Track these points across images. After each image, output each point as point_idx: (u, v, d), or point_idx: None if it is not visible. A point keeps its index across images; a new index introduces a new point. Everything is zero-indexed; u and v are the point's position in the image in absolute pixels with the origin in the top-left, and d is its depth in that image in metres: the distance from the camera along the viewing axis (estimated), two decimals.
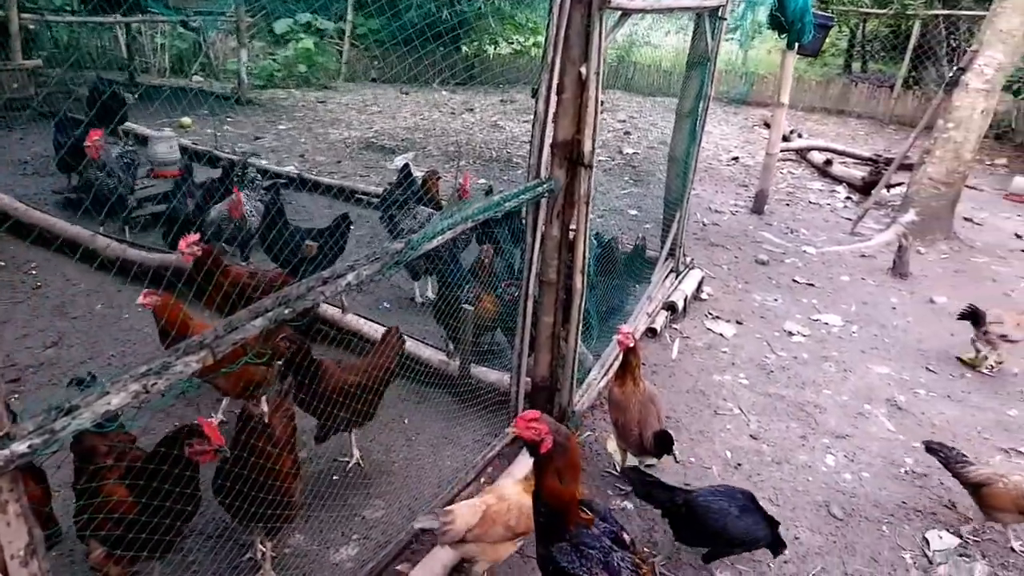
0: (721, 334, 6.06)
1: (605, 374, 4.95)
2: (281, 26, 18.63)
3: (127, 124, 10.94)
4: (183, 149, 9.51)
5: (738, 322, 6.32)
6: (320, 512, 3.65)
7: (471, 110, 16.32)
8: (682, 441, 4.54)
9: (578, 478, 2.50)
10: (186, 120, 12.32)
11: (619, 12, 3.80)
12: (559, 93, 3.68)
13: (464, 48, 20.58)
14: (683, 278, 6.62)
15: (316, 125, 13.65)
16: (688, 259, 7.03)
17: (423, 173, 7.15)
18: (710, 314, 6.44)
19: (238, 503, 2.96)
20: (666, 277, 6.51)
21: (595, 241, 5.69)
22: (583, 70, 3.57)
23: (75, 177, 7.57)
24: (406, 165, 7.73)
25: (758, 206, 9.62)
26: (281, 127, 13.19)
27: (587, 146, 3.71)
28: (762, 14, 7.96)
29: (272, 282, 4.62)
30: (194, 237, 4.38)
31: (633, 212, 9.14)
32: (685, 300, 6.29)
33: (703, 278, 6.87)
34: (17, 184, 7.93)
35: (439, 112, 16.09)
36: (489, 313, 4.97)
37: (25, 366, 4.69)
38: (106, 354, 4.94)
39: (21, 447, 1.49)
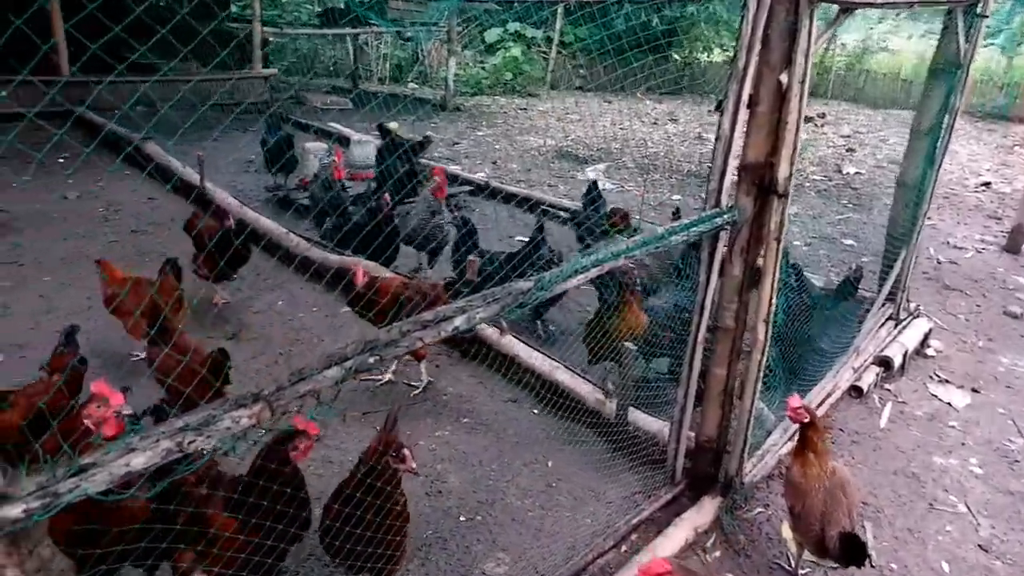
0: (949, 403, 4.96)
1: (789, 439, 4.18)
2: (492, 35, 19.12)
3: (331, 124, 11.65)
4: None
5: (974, 390, 5.14)
6: (439, 555, 3.34)
7: (675, 120, 15.57)
8: (882, 539, 3.67)
9: None
10: (393, 125, 12.85)
11: (837, 8, 3.08)
12: (751, 106, 3.06)
13: (675, 55, 19.84)
14: (904, 328, 5.55)
15: (513, 132, 13.70)
16: (913, 305, 5.90)
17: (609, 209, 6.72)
18: (936, 376, 5.32)
19: (347, 545, 2.71)
20: (882, 325, 5.49)
21: (790, 272, 4.89)
22: (783, 78, 2.92)
23: (280, 176, 8.05)
24: (594, 183, 7.33)
25: (1013, 244, 7.99)
26: (480, 133, 13.39)
27: (783, 171, 3.05)
28: None
29: (426, 295, 4.44)
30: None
31: (848, 242, 8.00)
32: (904, 356, 5.24)
33: (930, 329, 5.72)
34: (238, 181, 8.64)
35: (640, 122, 15.52)
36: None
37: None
38: (274, 351, 5.05)
39: (14, 511, 1.26)
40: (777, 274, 3.25)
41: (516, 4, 18.15)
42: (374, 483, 2.64)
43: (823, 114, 15.72)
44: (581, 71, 19.76)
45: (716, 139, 3.07)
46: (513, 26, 19.26)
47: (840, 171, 11.15)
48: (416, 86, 17.91)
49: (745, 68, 2.93)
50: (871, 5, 3.43)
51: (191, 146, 7.86)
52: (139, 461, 1.40)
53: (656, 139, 13.59)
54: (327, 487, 3.42)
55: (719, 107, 3.03)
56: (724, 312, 3.42)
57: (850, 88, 18.00)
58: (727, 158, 3.06)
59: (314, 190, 6.79)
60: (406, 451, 2.64)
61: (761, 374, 3.45)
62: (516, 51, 18.75)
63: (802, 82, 2.93)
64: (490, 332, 4.93)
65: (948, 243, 8.26)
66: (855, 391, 4.90)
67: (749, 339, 3.40)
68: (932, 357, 5.58)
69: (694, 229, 2.90)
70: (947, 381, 5.23)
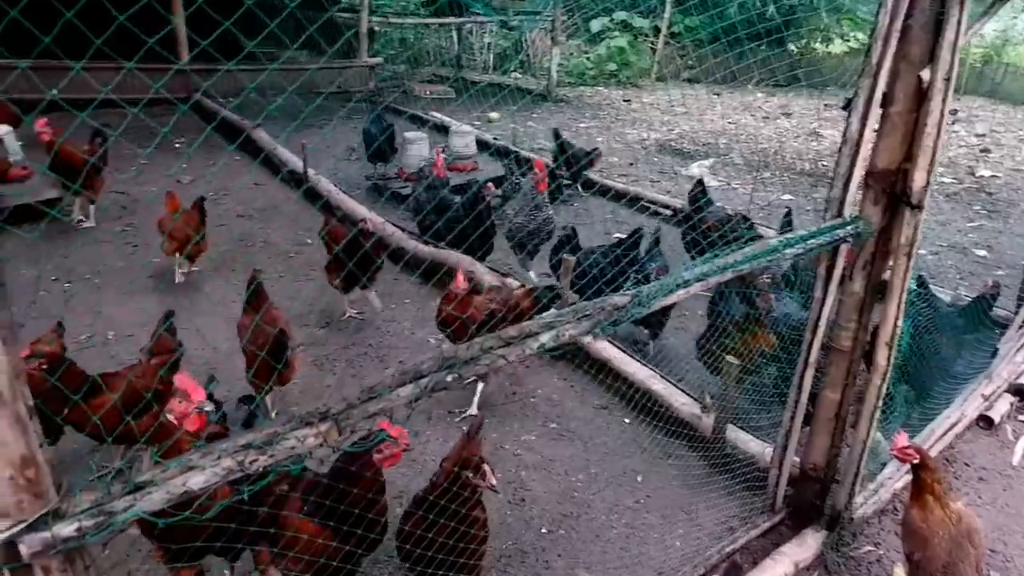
0: None
1: (907, 472, 3.80)
2: (597, 24, 18.76)
3: (432, 113, 11.71)
4: (484, 144, 9.84)
5: None
6: (517, 569, 3.22)
7: (788, 115, 14.81)
8: None
9: None
10: (494, 115, 12.84)
11: None
12: (885, 105, 2.74)
13: (791, 46, 18.85)
14: None
15: (616, 124, 13.38)
16: None
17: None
18: None
19: (422, 554, 2.63)
20: (1020, 348, 4.95)
21: (913, 284, 4.45)
22: (925, 75, 2.60)
23: (380, 166, 8.13)
24: (699, 181, 6.99)
25: None
26: (582, 125, 13.14)
27: (918, 179, 2.72)
28: None
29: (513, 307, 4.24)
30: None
31: (981, 252, 7.31)
32: None
33: None
34: (340, 168, 8.78)
35: (751, 116, 14.87)
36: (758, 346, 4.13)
37: (297, 344, 4.95)
38: (364, 342, 5.07)
39: (67, 530, 1.21)
40: (904, 294, 2.92)
41: None
42: (453, 498, 2.53)
43: (955, 111, 14.52)
44: (689, 62, 19.12)
45: (842, 141, 2.77)
46: (619, 15, 18.83)
47: (973, 174, 10.23)
48: (519, 76, 17.81)
49: (880, 63, 2.62)
50: None
51: (298, 133, 8.04)
52: (198, 480, 1.33)
53: (767, 134, 12.95)
54: (408, 487, 3.38)
55: (847, 106, 2.74)
56: (841, 332, 3.11)
57: (987, 82, 16.56)
58: (854, 163, 2.76)
59: (419, 192, 6.62)
60: (486, 467, 2.52)
61: (880, 402, 3.12)
62: (622, 41, 18.32)
63: (947, 80, 2.60)
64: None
65: None
66: (985, 421, 4.43)
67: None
68: None
69: (812, 241, 2.63)
70: None
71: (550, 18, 15.03)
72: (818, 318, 3.02)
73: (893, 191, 2.82)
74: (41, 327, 4.64)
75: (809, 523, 3.45)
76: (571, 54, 18.72)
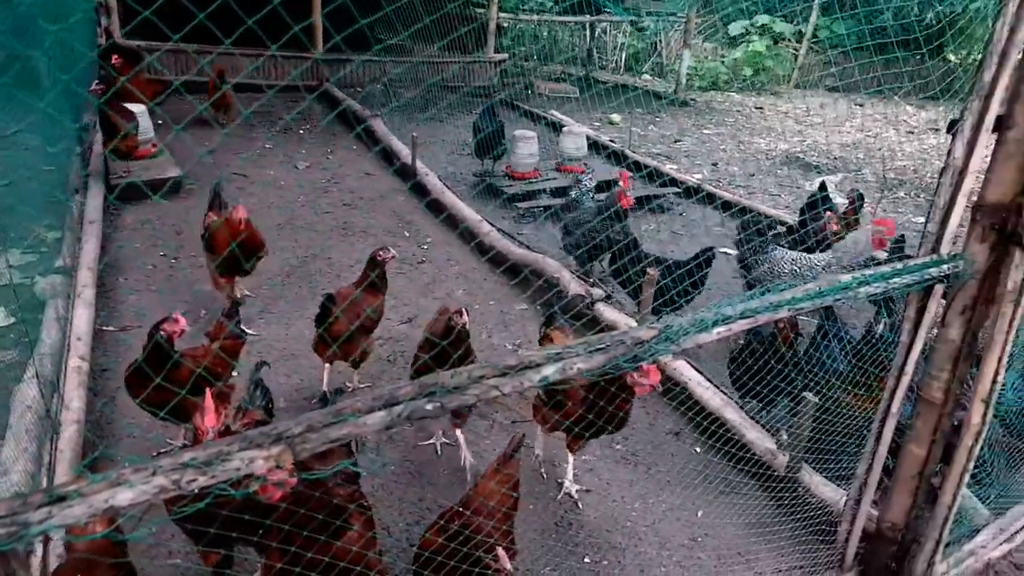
0: None
1: (1005, 542, 3.37)
2: (736, 28, 18.02)
3: (552, 112, 11.65)
4: (595, 144, 9.69)
5: None
6: None
7: (937, 131, 13.60)
8: None
9: None
10: (615, 117, 12.62)
11: None
12: (1000, 130, 2.41)
13: (951, 56, 17.32)
14: None
15: (743, 132, 12.79)
16: None
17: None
18: None
19: None
20: None
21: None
22: None
23: (489, 162, 8.17)
24: (823, 183, 6.54)
25: None
26: (707, 131, 12.68)
27: None
28: None
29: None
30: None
31: None
32: None
33: None
34: (450, 163, 8.92)
35: (894, 130, 13.79)
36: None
37: (378, 336, 5.03)
38: None
39: None
40: (1009, 345, 2.56)
41: None
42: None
43: None
44: (832, 69, 18.01)
45: (943, 169, 2.46)
46: (761, 19, 17.99)
47: None
48: (650, 78, 17.42)
49: (995, 80, 2.29)
50: None
51: (419, 125, 8.25)
52: (125, 497, 1.26)
53: (908, 151, 11.97)
54: (455, 497, 3.34)
55: (952, 128, 2.42)
56: (932, 382, 2.77)
57: None
58: (956, 194, 2.44)
59: (577, 221, 5.88)
60: (500, 552, 2.41)
61: (971, 464, 2.77)
62: (760, 45, 17.50)
63: None
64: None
65: None
66: None
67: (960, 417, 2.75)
68: None
69: (896, 280, 2.34)
70: None
71: (684, 19, 14.61)
72: (904, 363, 2.70)
73: (1004, 228, 2.47)
74: (143, 301, 5.03)
75: None
76: (706, 57, 18.10)
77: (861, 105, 15.98)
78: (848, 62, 17.07)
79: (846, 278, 2.24)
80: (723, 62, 17.80)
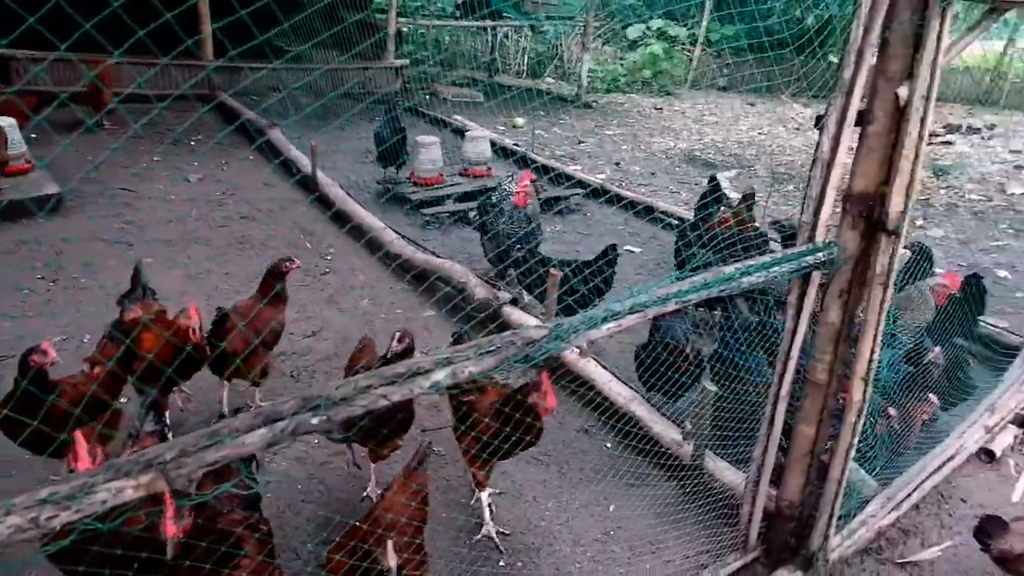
0: None
1: (893, 509, 3.58)
2: (634, 32, 18.54)
3: (455, 117, 11.66)
4: (499, 147, 9.75)
5: None
6: None
7: (823, 128, 14.36)
8: None
9: None
10: (519, 120, 12.72)
11: (985, 5, 2.51)
12: (863, 124, 2.56)
13: (832, 57, 18.37)
14: None
15: (644, 132, 13.16)
16: None
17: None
18: None
19: None
20: None
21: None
22: (902, 92, 2.41)
23: (392, 170, 8.08)
24: (713, 176, 6.80)
25: None
26: (608, 132, 12.96)
27: (895, 204, 2.53)
28: None
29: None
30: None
31: (1002, 273, 6.96)
32: None
33: None
34: (353, 171, 8.76)
35: (783, 127, 14.49)
36: None
37: (279, 352, 4.88)
38: (347, 354, 4.97)
39: None
40: (882, 325, 2.73)
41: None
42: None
43: (993, 125, 13.98)
44: (725, 71, 18.79)
45: (813, 162, 2.59)
46: (656, 23, 18.58)
47: (1003, 191, 9.79)
48: (552, 81, 17.68)
49: (854, 78, 2.44)
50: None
51: (319, 134, 8.05)
52: None
53: (796, 146, 12.60)
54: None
55: (819, 123, 2.56)
56: (816, 364, 2.92)
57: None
58: (825, 186, 2.58)
59: (496, 225, 5.83)
60: (389, 544, 2.38)
61: (855, 440, 2.92)
62: (657, 48, 18.07)
63: (926, 98, 2.40)
64: (569, 350, 4.61)
65: None
66: (987, 455, 4.17)
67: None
68: None
69: (776, 269, 2.45)
70: None
71: (582, 24, 14.89)
72: (789, 347, 2.83)
73: (871, 216, 2.62)
74: (20, 328, 4.69)
75: (784, 563, 3.26)
76: (605, 60, 18.53)
77: (753, 104, 16.75)
78: (739, 63, 17.89)
79: (729, 269, 2.33)
80: (622, 65, 18.28)
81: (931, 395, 3.84)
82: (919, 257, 4.98)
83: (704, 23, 18.31)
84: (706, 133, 13.48)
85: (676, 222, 7.62)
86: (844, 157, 2.57)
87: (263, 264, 5.89)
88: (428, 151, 7.92)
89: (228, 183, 7.74)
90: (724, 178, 10.25)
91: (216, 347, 3.79)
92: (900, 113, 2.46)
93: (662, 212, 8.07)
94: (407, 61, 13.44)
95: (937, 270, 5.69)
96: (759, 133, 13.82)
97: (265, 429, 1.44)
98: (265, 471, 3.55)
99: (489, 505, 3.52)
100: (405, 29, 13.99)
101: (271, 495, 3.47)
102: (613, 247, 5.17)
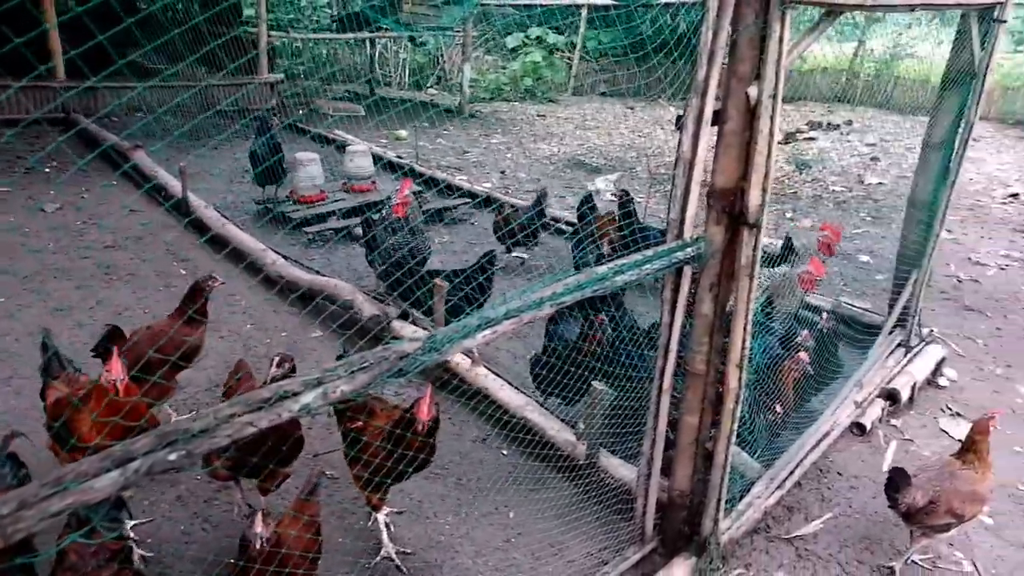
0: (960, 440, 4.48)
1: (777, 488, 3.76)
2: (513, 40, 18.80)
3: (337, 131, 11.44)
4: (382, 161, 9.62)
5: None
6: None
7: (683, 128, 15.04)
8: None
9: None
10: (402, 133, 12.61)
11: (822, 9, 2.68)
12: (719, 123, 2.68)
13: None
14: (915, 356, 5.08)
15: (528, 139, 13.34)
16: (926, 330, 5.42)
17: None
18: (948, 409, 4.84)
19: None
20: (890, 353, 5.03)
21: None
22: (752, 92, 2.54)
23: (271, 189, 7.79)
24: (589, 195, 6.98)
25: None
26: (493, 140, 13.06)
27: (754, 198, 2.66)
28: None
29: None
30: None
31: (864, 258, 7.50)
32: (913, 387, 4.79)
33: (944, 357, 5.23)
34: (229, 192, 8.40)
35: (661, 129, 15.08)
36: None
37: None
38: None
39: None
40: (750, 314, 2.86)
41: (536, 8, 17.84)
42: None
43: (850, 121, 15.11)
44: (604, 77, 19.37)
45: (676, 161, 2.70)
46: (534, 31, 18.93)
47: (862, 181, 10.59)
48: (435, 92, 17.66)
49: (707, 80, 2.55)
50: (860, 8, 3.00)
51: (191, 155, 7.67)
52: None
53: (674, 146, 13.10)
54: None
55: (679, 123, 2.66)
56: (694, 355, 3.03)
57: (878, 95, 17.32)
58: (689, 183, 2.68)
59: (383, 239, 5.71)
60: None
61: (735, 425, 3.05)
62: (537, 56, 18.41)
63: (773, 96, 2.54)
64: (460, 360, 4.58)
65: (970, 259, 7.69)
66: (858, 428, 4.46)
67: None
68: (945, 388, 5.10)
69: (648, 266, 2.53)
70: (959, 415, 4.76)
71: (461, 34, 14.95)
72: (668, 342, 2.92)
73: (732, 211, 2.75)
74: None
75: (679, 551, 3.35)
76: (487, 70, 18.70)
77: (632, 108, 17.33)
78: (618, 69, 18.50)
79: (602, 269, 2.38)
80: (504, 73, 18.51)
81: (800, 353, 4.06)
82: (785, 249, 5.27)
83: (581, 30, 18.80)
84: (589, 138, 13.82)
85: (565, 227, 7.76)
86: (704, 155, 2.68)
87: (132, 295, 5.63)
88: (307, 168, 7.70)
89: (90, 211, 7.23)
90: (608, 181, 10.58)
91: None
92: (752, 112, 2.59)
93: (552, 219, 8.19)
94: (282, 77, 13.06)
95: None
96: (639, 136, 14.32)
97: (116, 472, 1.33)
98: (134, 516, 3.31)
99: (387, 525, 3.43)
100: (278, 44, 13.57)
101: (149, 540, 3.25)
102: (491, 252, 5.19)
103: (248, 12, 13.39)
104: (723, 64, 2.59)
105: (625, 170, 11.35)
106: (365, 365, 1.71)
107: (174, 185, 7.29)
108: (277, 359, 3.17)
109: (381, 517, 3.38)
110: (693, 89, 2.58)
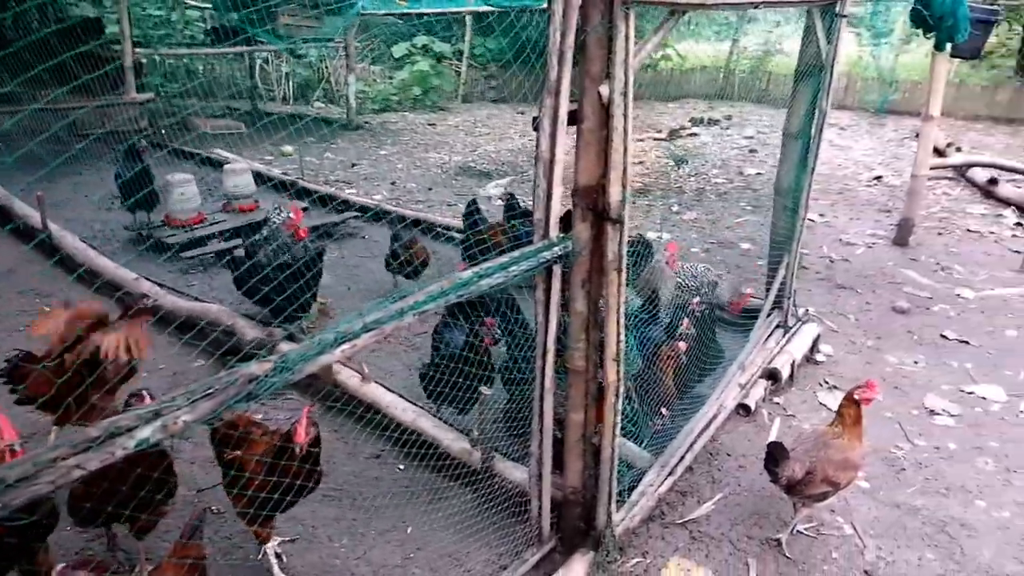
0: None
1: (668, 475, 3.86)
2: (399, 50, 18.63)
3: (216, 150, 11.01)
4: (265, 178, 9.32)
5: None
6: None
7: (540, 129, 15.36)
8: (766, 574, 3.39)
9: None
10: (288, 148, 12.25)
11: (667, 9, 2.77)
12: (577, 123, 2.72)
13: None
14: (792, 335, 5.34)
15: (418, 149, 13.24)
16: (802, 310, 5.72)
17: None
18: (825, 383, 5.12)
19: None
20: (770, 335, 5.27)
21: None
22: (603, 91, 2.59)
23: (142, 214, 7.38)
24: (473, 201, 6.98)
25: (902, 237, 7.99)
26: (383, 152, 12.88)
27: (614, 194, 2.72)
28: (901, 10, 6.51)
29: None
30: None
31: (745, 245, 7.85)
32: (792, 365, 5.03)
33: (819, 334, 5.53)
34: (97, 220, 7.91)
35: None
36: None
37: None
38: None
39: None
40: (623, 307, 2.91)
41: (421, 18, 17.76)
42: None
43: (729, 116, 15.83)
44: (493, 83, 19.51)
45: (536, 162, 2.71)
46: (420, 39, 18.84)
47: (741, 173, 11.11)
48: (322, 105, 17.28)
49: (559, 80, 2.58)
50: (701, 7, 3.13)
51: (52, 183, 7.14)
52: None
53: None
54: None
55: (535, 124, 2.68)
56: (573, 352, 3.06)
57: (754, 90, 18.30)
58: (551, 183, 2.71)
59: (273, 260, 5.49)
60: None
61: (618, 418, 3.10)
62: (424, 64, 18.32)
63: (624, 95, 2.60)
64: (349, 377, 4.47)
65: (841, 240, 8.20)
66: (743, 409, 4.64)
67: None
68: (822, 363, 5.39)
69: (515, 268, 2.53)
70: (835, 387, 5.03)
71: (343, 45, 14.68)
72: (545, 342, 2.94)
73: (595, 208, 2.80)
74: None
75: (577, 547, 3.38)
76: (374, 80, 18.46)
77: (522, 113, 17.50)
78: (505, 75, 18.69)
79: (466, 274, 2.36)
80: (391, 83, 18.32)
81: (679, 342, 4.19)
82: (639, 246, 5.39)
83: (468, 38, 18.87)
84: (479, 144, 13.86)
85: (457, 235, 7.72)
86: (563, 155, 2.71)
87: None
88: (182, 190, 7.35)
89: None
90: (500, 186, 10.62)
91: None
92: (606, 110, 2.64)
93: (442, 227, 8.14)
94: (152, 95, 12.43)
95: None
96: (530, 140, 14.44)
97: None
98: None
99: (278, 556, 3.30)
100: (145, 60, 12.89)
101: None
102: (319, 251, 5.26)
103: (112, 29, 12.69)
104: (575, 65, 2.64)
105: (516, 175, 11.44)
106: (209, 392, 1.62)
107: (32, 215, 6.78)
108: (133, 398, 3.01)
109: (270, 548, 3.24)
110: (546, 90, 2.61)
